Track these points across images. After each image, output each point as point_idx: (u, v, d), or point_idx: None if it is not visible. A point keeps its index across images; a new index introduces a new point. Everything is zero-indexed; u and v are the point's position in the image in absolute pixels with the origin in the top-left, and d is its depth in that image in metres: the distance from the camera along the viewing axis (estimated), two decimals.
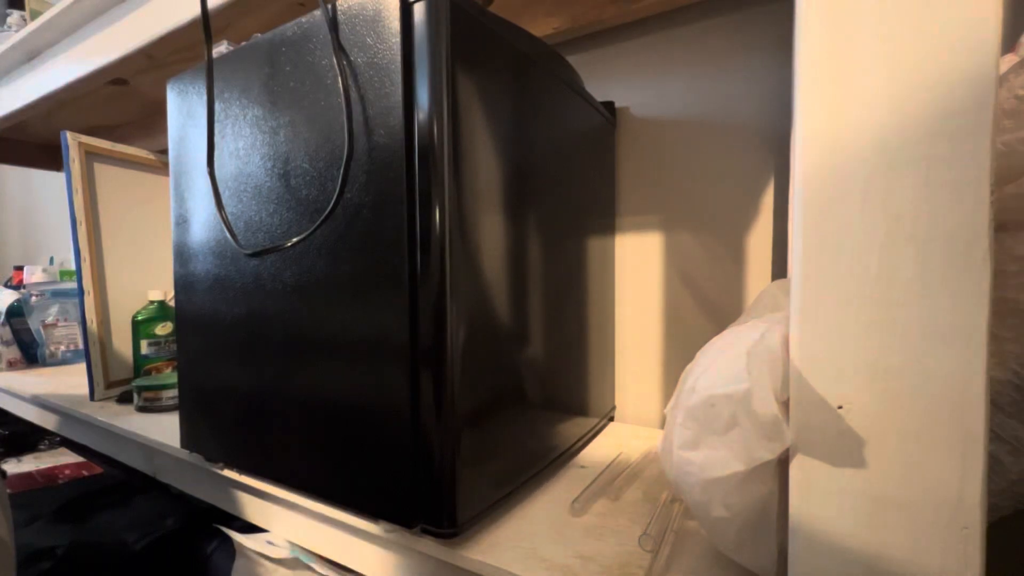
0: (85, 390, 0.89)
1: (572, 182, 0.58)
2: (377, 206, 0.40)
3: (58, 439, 1.08)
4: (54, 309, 1.21)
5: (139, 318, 0.92)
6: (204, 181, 0.52)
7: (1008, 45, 0.38)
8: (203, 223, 0.54)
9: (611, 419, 0.72)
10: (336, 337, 0.43)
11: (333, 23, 0.41)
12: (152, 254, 0.99)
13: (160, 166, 1.02)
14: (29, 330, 1.21)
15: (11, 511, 0.44)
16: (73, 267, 0.89)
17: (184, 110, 0.56)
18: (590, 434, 0.64)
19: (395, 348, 0.40)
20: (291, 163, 0.46)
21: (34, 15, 1.05)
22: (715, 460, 0.32)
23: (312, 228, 0.43)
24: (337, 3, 0.42)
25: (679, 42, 0.68)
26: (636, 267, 0.72)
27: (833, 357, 0.27)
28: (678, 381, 0.39)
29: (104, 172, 0.93)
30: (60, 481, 0.90)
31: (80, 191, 0.87)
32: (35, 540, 0.65)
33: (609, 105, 0.70)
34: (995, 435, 0.32)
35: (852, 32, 0.26)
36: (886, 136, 0.25)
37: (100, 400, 0.88)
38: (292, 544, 0.52)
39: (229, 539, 0.55)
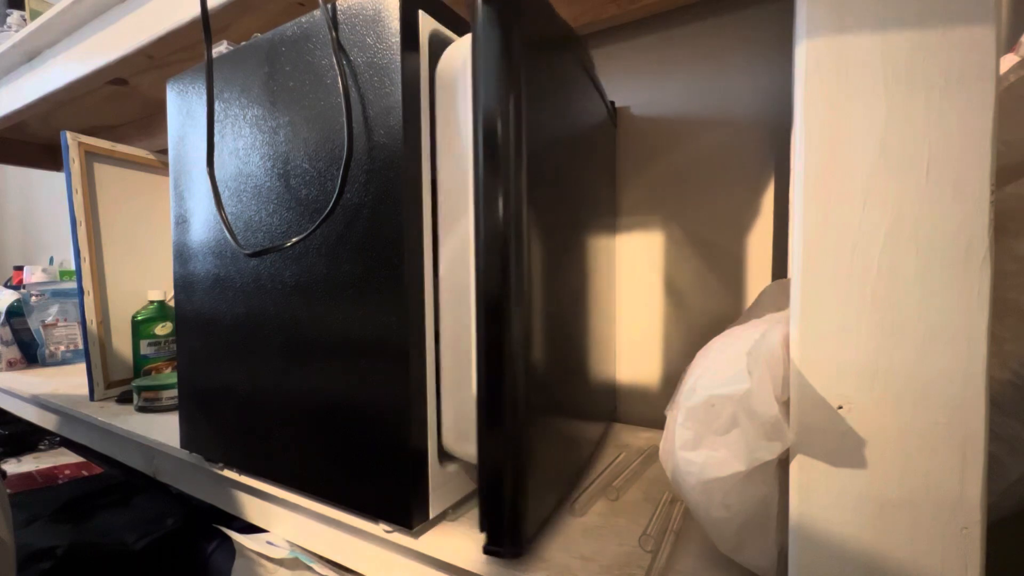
0: (85, 390, 0.89)
1: (577, 181, 0.58)
2: (377, 206, 0.40)
3: (58, 439, 1.08)
4: (54, 309, 1.21)
5: (139, 318, 0.92)
6: (204, 181, 0.52)
7: (1008, 45, 0.38)
8: (203, 223, 0.54)
9: (612, 419, 0.72)
10: (336, 337, 0.43)
11: (333, 23, 0.41)
12: (152, 254, 0.99)
13: (160, 166, 1.02)
14: (29, 330, 1.21)
15: (11, 511, 0.44)
16: (73, 267, 0.89)
17: (184, 110, 0.56)
18: (600, 438, 0.64)
19: (395, 348, 0.40)
20: (291, 163, 0.46)
21: (34, 15, 1.05)
22: (715, 460, 0.32)
23: (312, 228, 0.43)
24: (337, 3, 0.42)
25: (679, 42, 0.68)
26: (636, 267, 0.72)
27: (833, 357, 0.27)
28: (678, 381, 0.39)
29: (104, 172, 0.93)
30: (60, 481, 0.89)
31: (80, 191, 0.87)
32: (35, 540, 0.65)
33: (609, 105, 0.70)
34: (995, 435, 0.32)
35: (853, 31, 0.26)
36: (887, 135, 0.25)
37: (100, 400, 0.88)
38: (292, 544, 0.52)
39: (229, 539, 0.55)
